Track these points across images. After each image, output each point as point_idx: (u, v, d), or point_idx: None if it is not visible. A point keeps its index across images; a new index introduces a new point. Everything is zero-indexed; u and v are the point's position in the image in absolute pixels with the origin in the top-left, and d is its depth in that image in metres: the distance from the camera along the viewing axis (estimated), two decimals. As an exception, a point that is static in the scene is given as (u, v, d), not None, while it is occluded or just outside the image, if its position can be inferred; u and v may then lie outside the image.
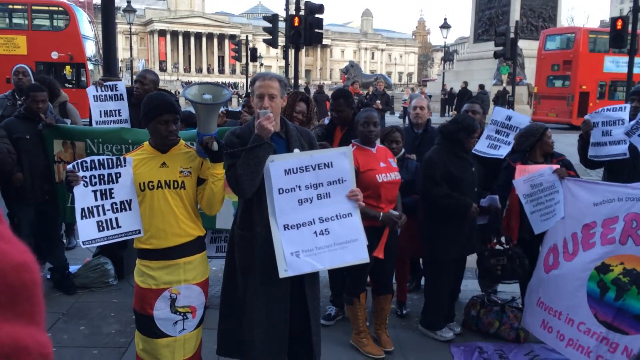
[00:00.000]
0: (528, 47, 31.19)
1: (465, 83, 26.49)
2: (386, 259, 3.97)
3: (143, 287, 3.06)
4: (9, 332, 0.29)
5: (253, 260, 3.08)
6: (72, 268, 5.38)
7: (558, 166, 4.28)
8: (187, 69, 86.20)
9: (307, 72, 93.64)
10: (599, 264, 3.60)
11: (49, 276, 5.31)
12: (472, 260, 5.09)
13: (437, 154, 4.23)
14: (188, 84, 36.51)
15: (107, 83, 5.38)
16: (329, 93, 16.50)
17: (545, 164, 4.40)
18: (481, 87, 24.77)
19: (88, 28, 22.39)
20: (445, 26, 34.18)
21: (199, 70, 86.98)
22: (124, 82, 5.61)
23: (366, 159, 3.92)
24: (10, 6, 21.65)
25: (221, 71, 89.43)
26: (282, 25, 16.27)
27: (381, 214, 3.87)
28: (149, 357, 3.11)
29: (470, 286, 5.43)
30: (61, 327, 4.42)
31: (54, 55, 20.30)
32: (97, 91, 5.33)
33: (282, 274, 2.97)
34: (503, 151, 4.90)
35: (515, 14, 31.22)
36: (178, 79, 72.53)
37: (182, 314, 3.09)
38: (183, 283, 3.07)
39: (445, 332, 4.46)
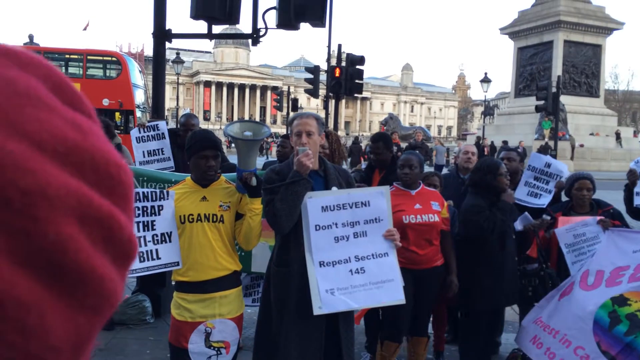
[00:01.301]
0: (571, 102, 30.92)
1: (478, 138, 26.28)
2: (422, 300, 3.91)
3: (179, 319, 3.09)
4: (108, 205, 0.32)
5: (288, 296, 3.09)
6: (111, 304, 5.46)
7: (602, 217, 4.18)
8: (230, 119, 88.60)
9: (347, 123, 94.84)
10: (617, 295, 3.49)
11: (87, 311, 5.40)
12: (513, 313, 4.93)
13: (476, 200, 4.18)
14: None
15: (149, 124, 5.57)
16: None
17: (589, 216, 4.30)
18: (504, 142, 24.57)
19: (138, 77, 23.44)
20: (486, 80, 34.30)
21: (241, 119, 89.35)
22: (165, 123, 5.78)
23: (399, 200, 3.91)
24: (67, 55, 22.95)
25: (262, 121, 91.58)
26: (323, 78, 16.68)
27: None
28: (182, 392, 3.10)
29: (510, 339, 5.24)
30: (97, 361, 4.47)
31: (105, 102, 21.24)
32: (139, 133, 5.52)
33: (317, 311, 2.96)
34: (544, 200, 4.81)
35: (557, 70, 31.12)
36: (221, 127, 74.50)
37: (216, 349, 3.10)
38: (218, 317, 3.09)
39: (485, 385, 4.29)
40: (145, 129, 5.52)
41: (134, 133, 5.57)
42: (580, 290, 3.74)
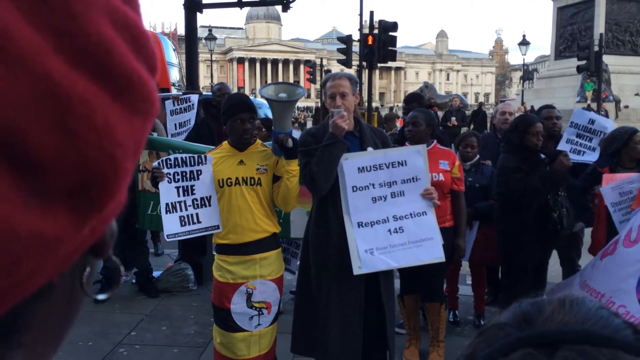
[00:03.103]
0: (614, 62, 29.70)
1: (481, 104, 25.36)
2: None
3: (221, 281, 3.17)
4: (132, 13, 0.33)
5: (327, 257, 3.11)
6: (155, 273, 5.63)
7: None
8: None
9: (381, 94, 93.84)
10: None
11: (134, 280, 5.59)
12: (555, 275, 4.85)
13: (507, 161, 4.09)
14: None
15: (183, 96, 5.64)
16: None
17: (635, 171, 4.16)
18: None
19: (173, 56, 23.60)
20: (524, 43, 33.27)
21: (276, 82, 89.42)
22: (198, 95, 5.83)
23: None
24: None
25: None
26: (356, 49, 16.45)
27: None
28: (226, 351, 3.20)
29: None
30: (144, 327, 4.63)
31: (141, 81, 21.48)
32: (173, 106, 5.60)
33: (356, 271, 2.98)
34: (588, 157, 4.68)
35: (599, 28, 29.88)
36: (255, 104, 74.89)
37: (257, 309, 3.17)
38: (259, 278, 3.15)
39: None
40: (179, 102, 5.59)
41: (169, 106, 5.66)
42: (624, 248, 3.65)
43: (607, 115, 18.87)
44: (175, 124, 5.60)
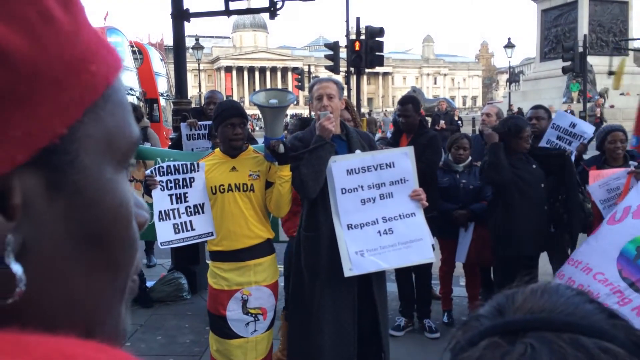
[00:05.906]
0: (599, 63, 30.06)
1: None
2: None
3: (216, 288, 3.18)
4: None
5: (318, 260, 3.13)
6: (149, 283, 5.63)
7: (633, 169, 4.10)
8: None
9: (370, 100, 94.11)
10: None
11: (127, 291, 5.58)
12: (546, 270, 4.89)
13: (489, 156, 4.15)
14: (255, 117, 37.71)
15: (201, 123, 5.63)
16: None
17: (623, 168, 4.23)
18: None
19: (160, 66, 23.60)
20: (510, 45, 33.58)
21: (266, 88, 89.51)
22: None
23: None
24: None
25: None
26: (343, 55, 16.53)
27: None
28: (223, 358, 3.21)
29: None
30: (139, 337, 4.63)
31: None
32: (190, 130, 5.57)
33: (347, 273, 3.01)
34: None
35: (583, 30, 30.25)
36: (244, 112, 74.70)
37: (253, 315, 3.18)
38: (254, 285, 3.17)
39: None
40: (197, 128, 5.56)
41: (185, 129, 5.61)
42: (607, 225, 3.70)
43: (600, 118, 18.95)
44: (192, 149, 5.57)
